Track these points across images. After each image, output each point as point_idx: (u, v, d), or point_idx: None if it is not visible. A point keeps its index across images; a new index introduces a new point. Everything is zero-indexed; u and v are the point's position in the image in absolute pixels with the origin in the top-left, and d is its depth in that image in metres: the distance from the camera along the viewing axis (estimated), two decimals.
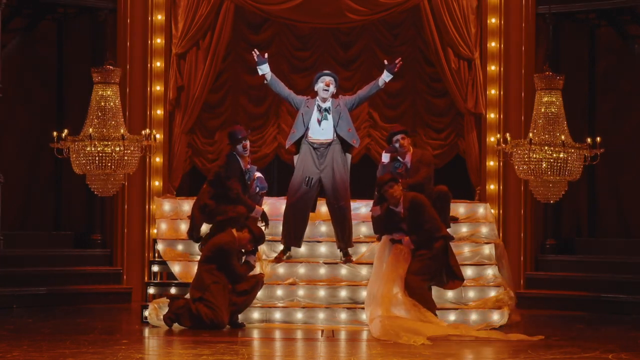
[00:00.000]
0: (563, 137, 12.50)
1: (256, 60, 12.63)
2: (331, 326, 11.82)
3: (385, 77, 12.59)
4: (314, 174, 12.49)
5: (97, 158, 12.46)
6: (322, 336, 11.17)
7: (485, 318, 11.97)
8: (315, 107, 12.54)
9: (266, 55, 12.71)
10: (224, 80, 15.14)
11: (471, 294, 12.33)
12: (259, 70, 12.66)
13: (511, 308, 12.19)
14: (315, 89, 12.63)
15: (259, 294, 11.95)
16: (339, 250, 12.64)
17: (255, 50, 12.78)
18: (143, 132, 13.07)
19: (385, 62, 12.71)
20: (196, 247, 12.57)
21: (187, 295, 11.75)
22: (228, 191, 12.13)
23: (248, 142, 12.38)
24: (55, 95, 15.33)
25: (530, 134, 12.54)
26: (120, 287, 14.55)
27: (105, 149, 12.46)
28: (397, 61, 12.60)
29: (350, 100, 12.67)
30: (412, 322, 10.91)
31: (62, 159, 12.94)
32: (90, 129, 12.56)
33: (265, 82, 12.74)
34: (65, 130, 12.76)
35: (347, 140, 12.56)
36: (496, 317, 11.97)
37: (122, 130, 12.54)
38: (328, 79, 12.55)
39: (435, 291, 11.84)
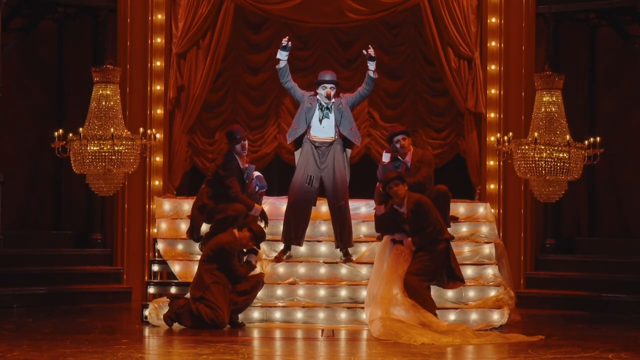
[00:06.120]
0: (568, 136, 12.51)
1: (283, 44, 12.63)
2: (331, 326, 11.82)
3: (370, 66, 12.61)
4: (315, 172, 12.49)
5: (94, 157, 12.45)
6: (322, 336, 11.17)
7: (485, 318, 11.97)
8: (317, 105, 12.57)
9: (290, 44, 12.72)
10: (224, 80, 15.15)
11: (471, 293, 12.33)
12: (279, 53, 12.65)
13: (511, 308, 12.19)
14: (317, 92, 12.66)
15: (259, 293, 11.95)
16: (338, 249, 12.64)
17: (287, 37, 12.78)
18: (146, 131, 13.11)
19: (364, 52, 12.70)
20: (196, 246, 12.59)
21: (188, 295, 11.76)
22: (227, 190, 12.13)
23: (246, 142, 12.39)
24: (55, 95, 15.34)
25: (536, 134, 12.53)
26: (121, 287, 14.55)
27: (104, 148, 12.45)
28: (368, 50, 12.61)
29: (351, 98, 12.71)
30: (413, 328, 10.88)
31: (62, 159, 12.93)
32: (80, 129, 12.55)
33: (277, 66, 12.69)
34: (60, 130, 12.75)
35: (349, 139, 12.59)
36: (496, 317, 11.96)
37: (112, 130, 12.51)
38: (329, 87, 12.53)
39: (435, 291, 11.84)
